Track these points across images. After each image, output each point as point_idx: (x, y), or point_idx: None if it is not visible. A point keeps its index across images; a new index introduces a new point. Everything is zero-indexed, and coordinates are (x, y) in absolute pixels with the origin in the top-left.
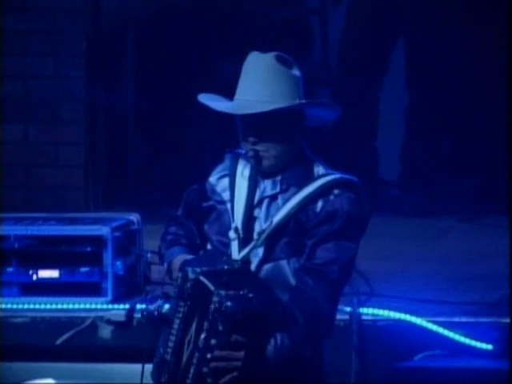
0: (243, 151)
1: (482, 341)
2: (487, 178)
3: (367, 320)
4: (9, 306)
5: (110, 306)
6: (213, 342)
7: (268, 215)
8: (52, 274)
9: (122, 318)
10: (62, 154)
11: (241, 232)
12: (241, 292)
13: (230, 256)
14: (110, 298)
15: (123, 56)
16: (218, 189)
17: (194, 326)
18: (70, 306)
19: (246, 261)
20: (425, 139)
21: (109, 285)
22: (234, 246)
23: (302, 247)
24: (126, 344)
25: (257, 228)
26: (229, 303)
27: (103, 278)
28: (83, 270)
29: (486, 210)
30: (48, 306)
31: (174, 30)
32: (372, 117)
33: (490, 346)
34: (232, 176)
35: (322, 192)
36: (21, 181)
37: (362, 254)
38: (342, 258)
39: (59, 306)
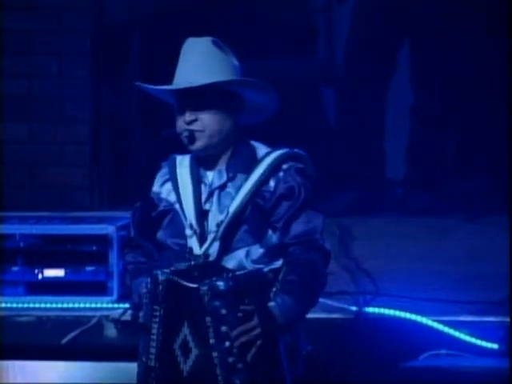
0: (179, 133)
1: (487, 340)
2: (492, 177)
3: (373, 319)
4: (14, 305)
5: (116, 305)
6: (223, 329)
7: (222, 206)
8: (57, 273)
9: (128, 317)
10: (66, 153)
11: (196, 227)
12: (224, 275)
13: (191, 252)
14: (115, 297)
15: (128, 55)
16: (163, 195)
17: (185, 331)
18: (76, 305)
19: (207, 255)
20: (430, 139)
21: (114, 284)
22: (193, 242)
23: (264, 231)
24: (132, 343)
25: (212, 221)
26: (219, 283)
27: (109, 277)
28: (89, 269)
29: (492, 210)
30: (53, 305)
31: (179, 29)
32: (379, 116)
33: (495, 345)
34: (173, 178)
35: (272, 170)
36: (26, 180)
37: (368, 253)
38: (318, 225)
39: (65, 305)
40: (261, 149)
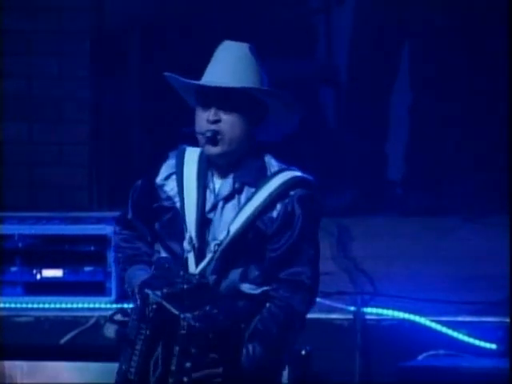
0: (200, 133)
1: (485, 340)
2: (492, 177)
3: (371, 319)
4: (13, 305)
5: (114, 306)
6: (187, 365)
7: (224, 220)
8: (56, 273)
9: (126, 318)
10: (66, 154)
11: (196, 242)
12: (206, 308)
13: (186, 270)
14: (113, 297)
15: (128, 55)
16: (167, 188)
17: (159, 349)
18: (74, 306)
19: (202, 274)
20: (429, 139)
21: (112, 284)
22: (190, 258)
23: (261, 254)
24: None
25: (212, 235)
26: (197, 324)
27: (107, 277)
28: (87, 269)
29: (491, 210)
30: (52, 306)
31: (178, 30)
32: (379, 116)
33: (493, 346)
34: (179, 175)
35: (278, 196)
36: (25, 180)
37: (366, 253)
38: (312, 259)
39: (63, 306)
40: (272, 164)
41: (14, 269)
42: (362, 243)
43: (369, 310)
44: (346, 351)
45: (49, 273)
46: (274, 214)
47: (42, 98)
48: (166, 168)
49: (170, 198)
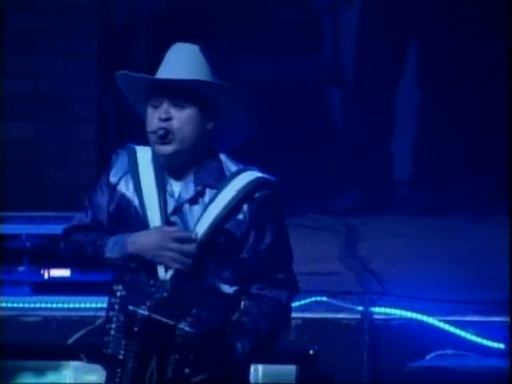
0: (151, 132)
1: (493, 340)
2: (498, 177)
3: (379, 319)
4: (20, 305)
5: None
6: (186, 371)
7: (191, 222)
8: (63, 273)
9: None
10: (73, 153)
11: None
12: (193, 311)
13: (156, 277)
14: None
15: (134, 54)
16: (122, 189)
17: (153, 362)
18: (82, 305)
19: (174, 280)
20: (435, 138)
21: None
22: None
23: (232, 255)
24: None
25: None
26: (193, 330)
27: None
28: None
29: (497, 210)
30: (59, 305)
31: (185, 29)
32: (385, 116)
33: (501, 345)
34: (135, 175)
35: (243, 197)
36: (32, 180)
37: (374, 253)
38: (289, 258)
39: (71, 305)
40: (228, 164)
41: (21, 268)
42: (369, 243)
43: (376, 309)
44: (354, 351)
45: (56, 272)
46: (241, 216)
47: (48, 97)
48: (119, 167)
49: (127, 200)
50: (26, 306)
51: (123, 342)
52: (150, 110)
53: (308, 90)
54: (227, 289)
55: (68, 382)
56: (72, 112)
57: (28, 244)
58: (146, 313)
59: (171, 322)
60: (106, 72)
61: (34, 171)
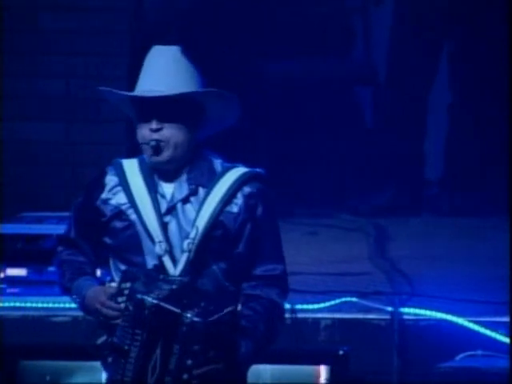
0: (143, 143)
1: None
2: None
3: (409, 320)
4: (50, 305)
5: None
6: (188, 362)
7: (186, 220)
8: None
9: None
10: (103, 154)
11: (166, 245)
12: (202, 304)
13: (166, 273)
14: None
15: None
16: (113, 202)
17: (157, 351)
18: None
19: (183, 276)
20: (468, 138)
21: None
22: (167, 261)
23: (229, 250)
24: None
25: (176, 236)
26: (199, 320)
27: None
28: None
29: None
30: None
31: (217, 29)
32: (417, 116)
33: None
34: (125, 185)
35: (235, 191)
36: (63, 180)
37: (404, 253)
38: (280, 252)
39: None
40: (217, 162)
41: (51, 269)
42: (399, 243)
43: (406, 310)
44: (384, 351)
45: None
46: (235, 209)
47: (79, 97)
48: (109, 182)
49: (120, 211)
50: (56, 305)
51: (130, 332)
52: (140, 122)
53: (339, 90)
54: (227, 283)
55: (97, 382)
56: (103, 112)
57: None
58: (155, 301)
59: (177, 311)
60: (138, 73)
61: (64, 171)
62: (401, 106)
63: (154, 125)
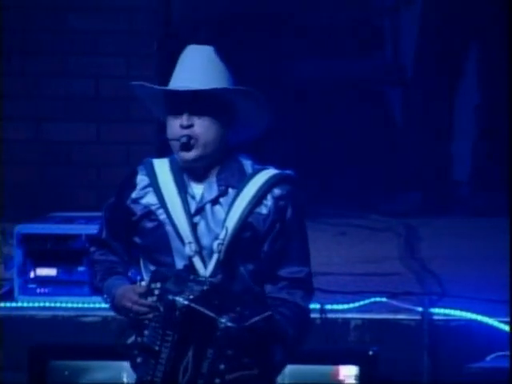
0: (173, 139)
1: None
2: None
3: (439, 320)
4: (80, 305)
5: None
6: (222, 367)
7: (216, 221)
8: None
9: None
10: (133, 153)
11: (196, 246)
12: (237, 309)
13: (197, 274)
14: None
15: None
16: (144, 202)
17: (190, 353)
18: None
19: (214, 277)
20: (495, 138)
21: None
22: (197, 262)
23: (257, 251)
24: None
25: (206, 237)
26: (235, 325)
27: None
28: None
29: None
30: None
31: (244, 31)
32: (445, 117)
33: None
34: (155, 185)
35: (264, 192)
36: (92, 180)
37: (434, 253)
38: (306, 254)
39: None
40: (247, 164)
41: (81, 269)
42: (429, 244)
43: (436, 310)
44: (414, 352)
45: None
46: (264, 210)
47: (109, 97)
48: (140, 182)
49: (150, 211)
50: (86, 306)
51: (160, 332)
52: (170, 118)
53: (368, 91)
54: (255, 285)
55: (127, 382)
56: (132, 112)
57: (88, 244)
58: (186, 302)
59: (212, 315)
60: (167, 73)
61: (94, 171)
62: (429, 107)
63: (185, 121)
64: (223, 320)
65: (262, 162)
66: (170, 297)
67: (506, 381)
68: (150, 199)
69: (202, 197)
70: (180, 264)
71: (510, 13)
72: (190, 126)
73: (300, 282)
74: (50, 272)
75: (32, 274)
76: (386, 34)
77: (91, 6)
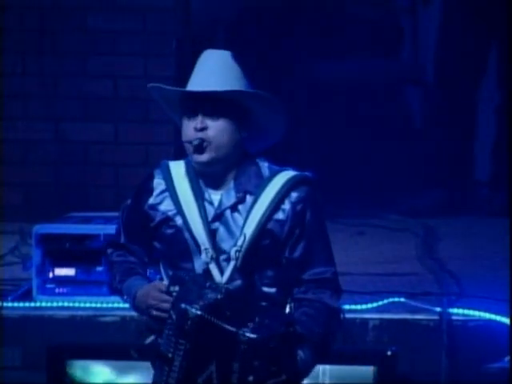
0: (187, 141)
1: None
2: None
3: (457, 320)
4: (99, 305)
5: None
6: (250, 378)
7: (233, 227)
8: None
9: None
10: (151, 154)
11: (213, 252)
12: (256, 319)
13: (213, 281)
14: None
15: None
16: (162, 207)
17: (212, 368)
18: None
19: (230, 284)
20: None
21: None
22: (213, 269)
23: (276, 257)
24: None
25: (223, 243)
26: (257, 336)
27: None
28: None
29: None
30: None
31: (263, 30)
32: (467, 116)
33: None
34: (171, 190)
35: (282, 196)
36: (111, 180)
37: (452, 254)
38: (330, 254)
39: None
40: (264, 166)
41: (99, 268)
42: (448, 244)
43: (455, 310)
44: (432, 352)
45: None
46: (282, 215)
47: (127, 98)
48: (157, 187)
49: (168, 217)
50: (104, 305)
51: (173, 340)
52: (185, 120)
53: (388, 90)
54: (272, 291)
55: (145, 382)
56: (151, 113)
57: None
58: (199, 312)
59: (231, 328)
60: (185, 73)
61: (112, 171)
62: (450, 106)
63: (199, 123)
64: (245, 332)
65: (280, 163)
66: (183, 305)
67: None
68: (168, 205)
69: (221, 203)
70: (200, 269)
71: (510, 13)
72: (204, 129)
73: (326, 282)
74: (69, 272)
75: (50, 274)
76: (406, 33)
77: (110, 7)
